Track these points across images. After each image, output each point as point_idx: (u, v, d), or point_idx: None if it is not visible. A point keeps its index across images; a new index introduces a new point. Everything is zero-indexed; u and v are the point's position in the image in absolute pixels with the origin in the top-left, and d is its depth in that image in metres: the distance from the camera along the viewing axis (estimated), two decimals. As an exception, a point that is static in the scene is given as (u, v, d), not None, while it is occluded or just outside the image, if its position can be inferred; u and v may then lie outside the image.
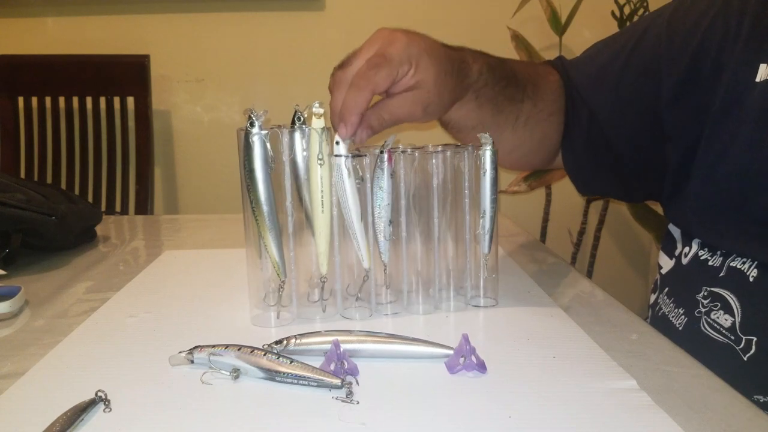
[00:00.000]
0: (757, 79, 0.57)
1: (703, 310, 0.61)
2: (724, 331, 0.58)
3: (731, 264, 0.59)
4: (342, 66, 0.57)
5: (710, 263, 0.61)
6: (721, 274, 0.60)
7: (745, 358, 0.56)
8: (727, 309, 0.58)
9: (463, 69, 0.63)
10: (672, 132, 0.66)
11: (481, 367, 0.45)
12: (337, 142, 0.53)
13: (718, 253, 0.61)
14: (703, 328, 0.61)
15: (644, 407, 0.40)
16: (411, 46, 0.57)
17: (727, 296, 0.59)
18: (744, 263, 0.58)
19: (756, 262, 0.57)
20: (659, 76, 0.66)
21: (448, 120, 0.67)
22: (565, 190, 1.83)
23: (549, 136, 0.75)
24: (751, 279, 0.57)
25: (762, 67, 0.57)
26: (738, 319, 0.57)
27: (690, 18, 0.65)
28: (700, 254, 0.64)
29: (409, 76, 0.57)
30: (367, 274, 0.56)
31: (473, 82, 0.64)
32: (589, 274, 1.78)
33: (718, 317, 0.59)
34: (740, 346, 0.57)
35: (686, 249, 0.66)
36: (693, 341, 0.60)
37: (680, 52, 0.64)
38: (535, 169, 1.05)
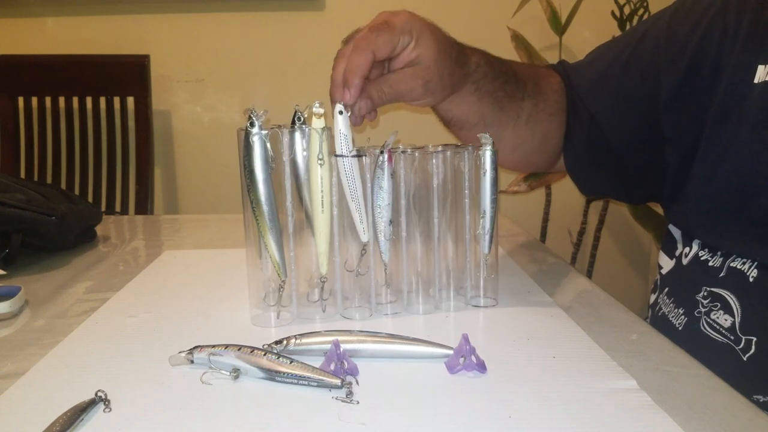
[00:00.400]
0: (756, 81, 0.57)
1: (703, 310, 0.61)
2: (723, 331, 0.58)
3: (731, 264, 0.59)
4: (346, 41, 0.59)
5: (710, 263, 0.61)
6: (721, 275, 0.60)
7: (745, 358, 0.56)
8: (727, 309, 0.58)
9: (462, 57, 0.64)
10: (671, 134, 0.66)
11: (481, 367, 0.45)
12: (341, 112, 0.53)
13: (719, 253, 0.61)
14: (702, 328, 0.61)
15: (644, 407, 0.40)
16: (413, 20, 0.59)
17: (727, 296, 0.59)
18: (744, 264, 0.58)
19: (756, 263, 0.57)
20: (658, 78, 0.66)
21: (451, 116, 0.68)
22: (565, 190, 1.83)
23: (550, 135, 0.75)
24: (751, 279, 0.57)
25: (760, 68, 0.57)
26: (738, 319, 0.57)
27: (689, 20, 0.65)
28: (700, 255, 0.64)
29: (410, 49, 0.58)
30: (365, 248, 0.56)
31: (472, 71, 0.65)
32: (589, 274, 1.78)
33: (717, 317, 0.59)
34: (740, 346, 0.57)
35: (686, 249, 0.66)
36: (693, 341, 0.60)
37: (679, 54, 0.64)
38: (537, 170, 1.05)
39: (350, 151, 0.53)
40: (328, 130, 0.53)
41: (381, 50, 0.56)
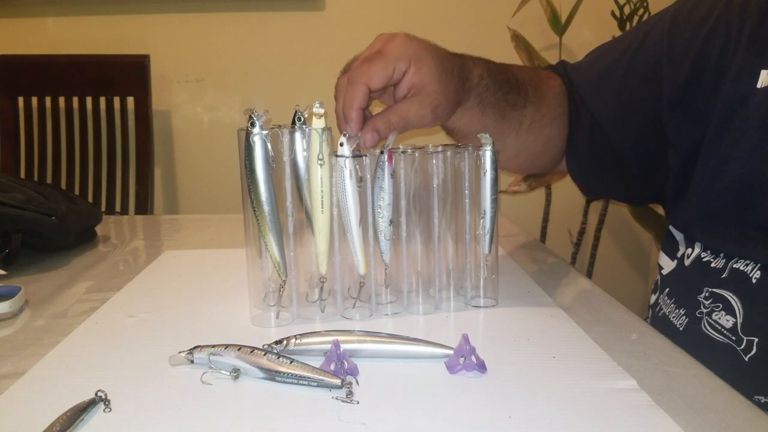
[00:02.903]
0: (759, 86, 0.57)
1: (705, 310, 0.61)
2: (725, 332, 0.58)
3: (734, 266, 0.59)
4: (344, 71, 0.58)
5: (712, 265, 0.61)
6: (724, 276, 0.60)
7: (746, 359, 0.56)
8: (729, 310, 0.58)
9: (464, 71, 0.63)
10: (673, 137, 0.66)
11: (481, 367, 0.45)
12: (341, 144, 0.53)
13: (721, 255, 0.61)
14: (704, 328, 0.60)
15: (644, 407, 0.40)
16: (409, 45, 0.58)
17: (729, 297, 0.59)
18: (747, 265, 0.58)
19: (759, 264, 0.57)
20: (660, 81, 0.65)
21: (453, 127, 0.67)
22: (565, 190, 1.83)
23: (553, 139, 0.75)
24: (753, 280, 0.57)
25: (763, 73, 0.57)
26: (739, 320, 0.57)
27: (691, 22, 0.65)
28: (702, 256, 0.63)
29: (411, 74, 0.57)
30: (363, 279, 0.56)
31: (475, 85, 0.64)
32: (589, 274, 1.78)
33: (719, 318, 0.59)
34: (741, 347, 0.57)
35: (689, 251, 0.66)
36: (693, 341, 0.60)
37: (681, 57, 0.64)
38: (539, 172, 1.04)
39: (351, 182, 0.53)
40: (329, 130, 0.53)
41: (374, 81, 0.56)
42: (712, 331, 0.59)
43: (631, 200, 0.87)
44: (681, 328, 0.63)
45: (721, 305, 0.59)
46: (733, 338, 0.58)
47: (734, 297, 0.58)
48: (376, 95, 0.61)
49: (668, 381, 0.44)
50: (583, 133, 0.74)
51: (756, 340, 0.56)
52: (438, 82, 0.58)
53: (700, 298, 0.62)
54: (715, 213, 0.61)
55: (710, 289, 0.61)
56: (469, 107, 0.65)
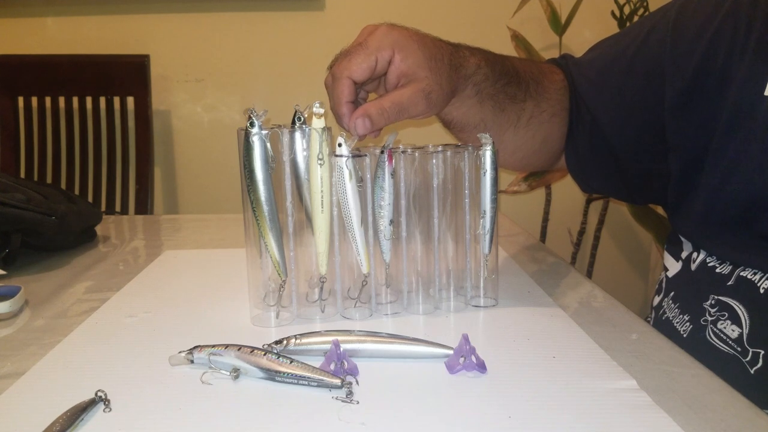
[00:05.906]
0: (767, 93, 0.55)
1: (710, 318, 0.59)
2: (730, 342, 0.57)
3: (741, 273, 0.58)
4: (329, 68, 0.58)
5: (718, 270, 0.60)
6: (730, 283, 0.58)
7: (752, 372, 0.55)
8: (735, 319, 0.57)
9: (458, 59, 0.61)
10: (675, 141, 0.64)
11: (481, 367, 0.45)
12: (339, 144, 0.53)
13: (727, 261, 0.60)
14: (708, 337, 0.59)
15: (644, 407, 0.40)
16: (390, 33, 0.57)
17: (735, 306, 0.57)
18: (755, 274, 0.56)
19: (767, 274, 0.56)
20: (663, 82, 0.63)
21: (451, 119, 0.66)
22: (565, 190, 1.83)
23: (551, 138, 0.73)
24: (761, 290, 0.55)
25: None
26: (746, 331, 0.56)
27: (696, 21, 0.62)
28: (708, 261, 0.62)
29: (397, 62, 0.56)
30: (366, 278, 0.56)
31: (472, 73, 0.62)
32: (589, 274, 1.78)
33: (724, 327, 0.58)
34: (747, 359, 0.55)
35: (694, 254, 0.65)
36: (697, 350, 0.58)
37: (686, 59, 0.61)
38: (537, 170, 1.03)
39: (351, 183, 0.53)
40: (329, 130, 0.53)
41: (357, 73, 0.55)
42: (717, 341, 0.58)
43: (630, 200, 0.86)
44: (685, 335, 0.62)
45: (726, 314, 0.58)
46: (739, 349, 0.56)
47: (741, 306, 0.57)
48: (372, 87, 0.61)
49: (668, 381, 0.44)
50: (583, 130, 0.72)
51: (762, 352, 0.55)
52: (427, 68, 0.57)
53: (705, 306, 0.60)
54: (720, 222, 0.60)
55: (716, 297, 0.59)
56: (466, 97, 0.63)
